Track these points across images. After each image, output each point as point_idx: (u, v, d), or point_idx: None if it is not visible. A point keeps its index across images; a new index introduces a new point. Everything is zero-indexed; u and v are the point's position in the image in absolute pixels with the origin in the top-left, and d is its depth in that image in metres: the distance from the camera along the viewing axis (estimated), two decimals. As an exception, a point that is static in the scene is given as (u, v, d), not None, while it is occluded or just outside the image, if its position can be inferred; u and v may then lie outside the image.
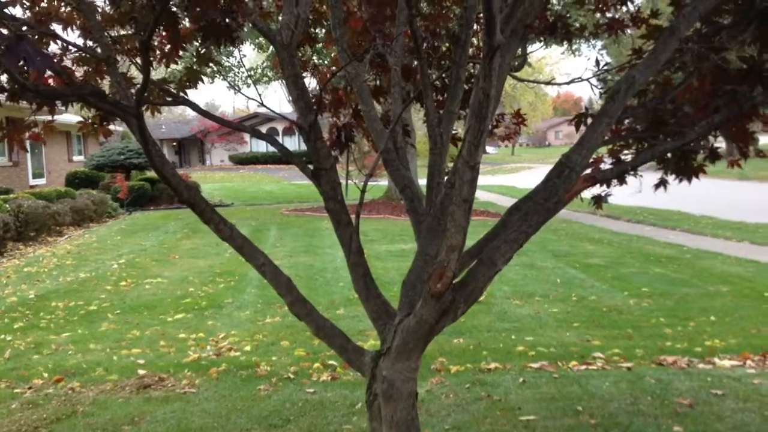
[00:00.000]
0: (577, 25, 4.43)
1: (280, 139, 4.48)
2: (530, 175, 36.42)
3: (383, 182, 26.21)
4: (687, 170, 3.79)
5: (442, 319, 2.99)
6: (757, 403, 5.12)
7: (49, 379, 6.23)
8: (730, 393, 5.35)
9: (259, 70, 28.26)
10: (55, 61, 3.42)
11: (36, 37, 3.42)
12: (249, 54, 29.82)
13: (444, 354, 6.64)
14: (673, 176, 3.85)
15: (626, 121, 3.87)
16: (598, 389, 5.50)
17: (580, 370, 6.11)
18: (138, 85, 2.94)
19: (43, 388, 6.01)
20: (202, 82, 3.77)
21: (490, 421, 4.83)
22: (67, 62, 3.88)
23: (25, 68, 3.23)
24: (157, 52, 3.91)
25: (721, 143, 4.11)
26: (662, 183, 3.96)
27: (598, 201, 4.05)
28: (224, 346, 7.24)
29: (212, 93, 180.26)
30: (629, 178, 3.97)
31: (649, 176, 3.94)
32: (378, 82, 4.56)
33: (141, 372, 6.35)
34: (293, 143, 51.12)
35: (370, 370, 3.17)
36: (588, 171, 3.14)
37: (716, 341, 7.01)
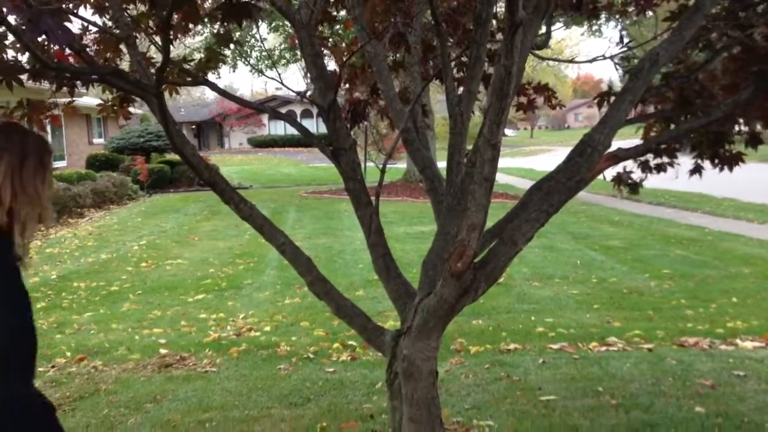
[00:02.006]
0: (604, 1, 4.36)
1: (298, 121, 4.46)
2: (549, 158, 36.19)
3: (402, 165, 26.17)
4: (724, 157, 3.72)
5: (462, 299, 2.98)
6: (779, 384, 5.09)
7: (72, 358, 6.30)
8: (753, 374, 5.31)
9: (277, 52, 28.20)
10: (76, 40, 3.42)
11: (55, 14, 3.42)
12: (265, 37, 29.74)
13: (463, 335, 6.64)
14: (710, 164, 3.77)
15: (652, 101, 3.83)
16: (618, 370, 5.48)
17: (601, 351, 6.09)
18: (158, 65, 2.93)
19: (66, 367, 6.08)
20: (224, 63, 3.76)
21: (510, 401, 4.83)
22: (87, 42, 3.88)
23: (46, 46, 3.25)
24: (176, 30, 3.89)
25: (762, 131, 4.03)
26: (697, 169, 3.89)
27: (634, 186, 3.99)
28: (244, 326, 7.29)
29: (231, 77, 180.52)
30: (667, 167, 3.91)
31: (686, 163, 3.89)
32: (397, 59, 4.53)
33: (162, 351, 6.40)
34: (312, 125, 51.07)
35: (390, 349, 3.17)
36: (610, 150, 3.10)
37: (738, 323, 6.96)
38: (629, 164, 3.63)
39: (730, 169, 3.69)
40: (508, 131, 75.49)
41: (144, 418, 4.78)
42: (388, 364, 3.19)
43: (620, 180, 3.98)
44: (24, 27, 2.22)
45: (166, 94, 3.80)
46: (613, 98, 3.35)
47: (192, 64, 3.87)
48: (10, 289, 2.38)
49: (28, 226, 2.39)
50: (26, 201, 2.36)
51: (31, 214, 2.39)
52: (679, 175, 3.95)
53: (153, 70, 3.44)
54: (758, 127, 3.60)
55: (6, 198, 2.31)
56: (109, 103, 3.88)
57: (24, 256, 2.40)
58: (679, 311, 7.58)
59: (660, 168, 3.84)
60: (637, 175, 3.91)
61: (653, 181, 4.20)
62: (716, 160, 3.71)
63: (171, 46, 2.85)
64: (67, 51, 3.22)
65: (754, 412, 4.51)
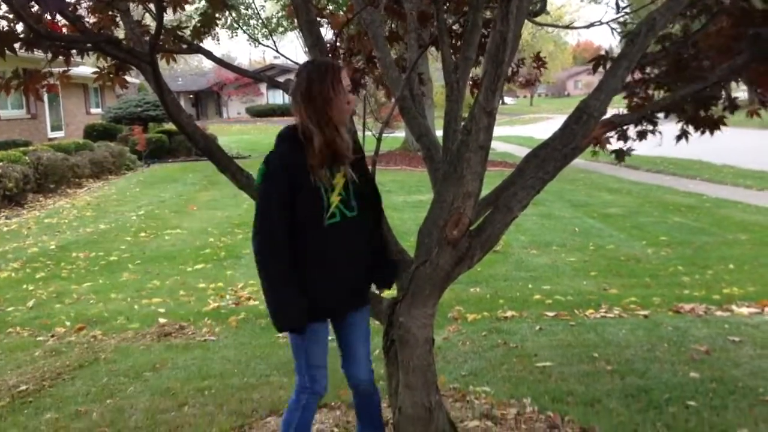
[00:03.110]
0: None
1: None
2: (549, 126, 36.08)
3: (400, 134, 26.07)
4: (706, 121, 3.73)
5: (458, 266, 2.99)
6: (774, 350, 5.13)
7: (72, 328, 6.34)
8: (748, 340, 5.35)
9: (275, 20, 27.97)
10: (70, 10, 3.39)
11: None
12: (263, 4, 29.47)
13: (461, 303, 6.67)
14: (694, 128, 3.79)
15: (648, 67, 3.81)
16: (614, 336, 5.51)
17: (597, 318, 6.13)
18: (152, 33, 2.91)
19: (66, 336, 6.12)
20: (217, 25, 3.72)
21: (507, 367, 4.87)
22: (81, 12, 3.85)
23: (39, 16, 3.22)
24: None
25: (740, 92, 4.04)
26: (683, 134, 3.90)
27: (621, 154, 4.00)
28: (243, 296, 7.32)
29: (228, 46, 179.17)
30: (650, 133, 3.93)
31: (672, 128, 3.89)
32: (394, 27, 4.50)
33: (162, 321, 6.44)
34: (310, 94, 50.74)
35: (386, 317, 3.19)
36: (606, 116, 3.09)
37: (734, 289, 6.99)
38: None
39: (711, 132, 3.70)
40: (507, 99, 75.13)
41: (143, 386, 4.82)
42: (385, 331, 3.21)
43: (620, 153, 3.98)
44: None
45: (163, 63, 3.78)
46: (609, 64, 3.33)
47: (187, 31, 3.84)
48: None
49: None
50: None
51: None
52: (662, 143, 3.95)
53: (147, 38, 3.41)
54: (744, 95, 3.60)
55: None
56: (105, 71, 3.85)
57: None
58: (676, 278, 7.61)
59: (642, 135, 3.85)
60: (617, 144, 3.92)
61: (652, 150, 4.20)
62: (699, 125, 3.72)
63: (164, 14, 2.83)
64: (62, 20, 3.20)
65: (748, 377, 4.56)
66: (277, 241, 2.81)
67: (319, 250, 2.87)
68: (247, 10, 25.39)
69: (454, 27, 4.34)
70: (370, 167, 3.18)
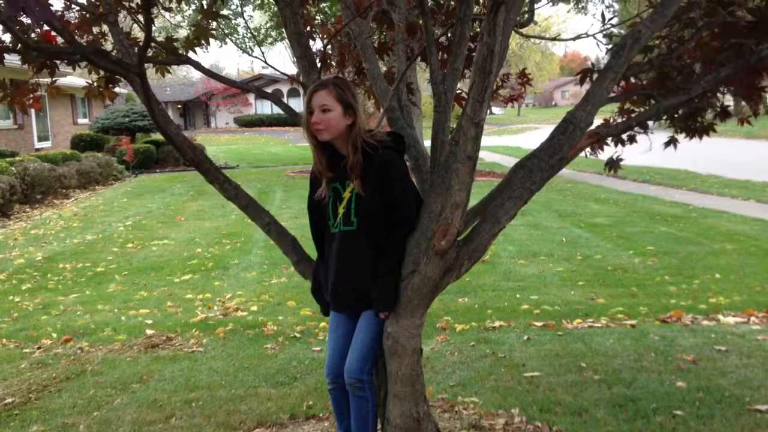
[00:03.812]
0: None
1: (285, 100, 4.45)
2: (536, 136, 36.21)
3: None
4: (696, 128, 3.77)
5: (446, 276, 3.01)
6: (760, 358, 5.15)
7: (58, 339, 6.30)
8: (734, 349, 5.38)
9: (263, 31, 28.00)
10: (58, 21, 3.39)
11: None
12: (251, 14, 29.48)
13: (449, 313, 6.68)
14: (683, 135, 3.83)
15: (634, 78, 3.84)
16: (602, 346, 5.53)
17: (584, 328, 6.15)
18: (140, 44, 2.92)
19: (52, 348, 6.08)
20: (214, 38, 3.71)
21: (495, 377, 4.88)
22: (70, 21, 3.84)
23: (28, 27, 3.22)
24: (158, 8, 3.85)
25: (730, 101, 4.09)
26: (672, 141, 3.94)
27: (612, 165, 4.02)
28: (231, 307, 7.30)
29: (217, 55, 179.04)
30: (640, 138, 3.96)
31: (660, 136, 3.92)
32: (382, 39, 4.52)
33: (149, 332, 6.41)
34: (298, 105, 50.89)
35: (375, 327, 3.19)
36: (593, 127, 3.12)
37: (721, 298, 7.03)
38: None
39: (700, 137, 3.75)
40: (495, 109, 75.35)
41: (130, 398, 4.80)
42: (373, 341, 3.21)
43: (612, 163, 4.00)
44: (2, 3, 2.20)
45: (153, 74, 3.78)
46: (595, 75, 3.36)
47: (178, 43, 3.84)
48: None
49: None
50: None
51: None
52: (652, 148, 3.98)
53: (137, 50, 3.41)
54: (742, 103, 3.64)
55: None
56: (95, 84, 3.84)
57: None
58: (663, 287, 7.65)
59: (632, 139, 3.87)
60: (610, 150, 3.94)
61: (639, 159, 4.24)
62: (689, 132, 3.76)
63: (153, 25, 2.84)
64: (50, 30, 3.19)
65: (735, 387, 4.58)
66: (313, 237, 3.39)
67: (327, 250, 3.29)
68: (236, 19, 25.43)
69: (442, 39, 4.36)
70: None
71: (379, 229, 3.12)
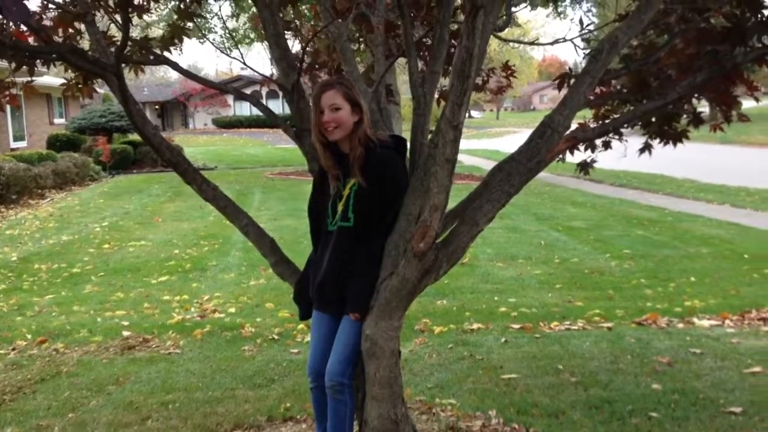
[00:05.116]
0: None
1: (263, 101, 4.45)
2: (515, 139, 36.40)
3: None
4: (671, 134, 3.81)
5: (424, 278, 3.01)
6: (734, 361, 5.21)
7: (33, 341, 6.23)
8: (709, 352, 5.44)
9: (241, 31, 27.88)
10: (35, 20, 3.35)
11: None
12: (228, 15, 29.30)
13: (428, 315, 6.69)
14: (658, 140, 3.87)
15: (611, 83, 3.88)
16: (578, 348, 5.57)
17: (561, 331, 6.19)
18: (118, 44, 2.90)
19: (27, 349, 6.01)
20: (188, 36, 3.70)
21: (473, 379, 4.89)
22: (48, 22, 3.80)
23: (4, 25, 3.19)
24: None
25: (704, 108, 4.13)
26: (647, 147, 3.97)
27: (585, 167, 4.05)
28: (209, 308, 7.26)
29: (195, 56, 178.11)
30: (615, 144, 4.00)
31: (635, 142, 3.96)
32: (362, 41, 4.52)
33: (125, 333, 6.36)
34: (277, 106, 50.67)
35: (353, 329, 3.19)
36: (570, 131, 3.14)
37: (696, 302, 7.10)
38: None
39: (674, 144, 3.78)
40: (474, 112, 75.67)
41: (106, 400, 4.76)
42: (351, 343, 3.21)
43: (584, 165, 4.03)
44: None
45: (130, 74, 3.75)
46: (573, 80, 3.39)
47: (153, 42, 3.82)
48: None
49: None
50: None
51: None
52: (627, 154, 4.02)
53: (114, 49, 3.39)
54: (707, 110, 3.68)
55: None
56: (73, 81, 3.81)
57: None
58: (639, 291, 7.71)
59: (606, 145, 3.91)
60: (582, 154, 3.97)
61: (616, 163, 4.28)
62: (664, 138, 3.80)
63: (130, 25, 2.82)
64: (26, 29, 3.17)
65: (709, 389, 4.63)
66: (312, 236, 3.44)
67: (320, 249, 3.31)
68: (212, 19, 25.30)
69: (421, 41, 4.38)
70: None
71: (374, 227, 3.15)
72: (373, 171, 3.14)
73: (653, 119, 3.74)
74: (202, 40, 23.57)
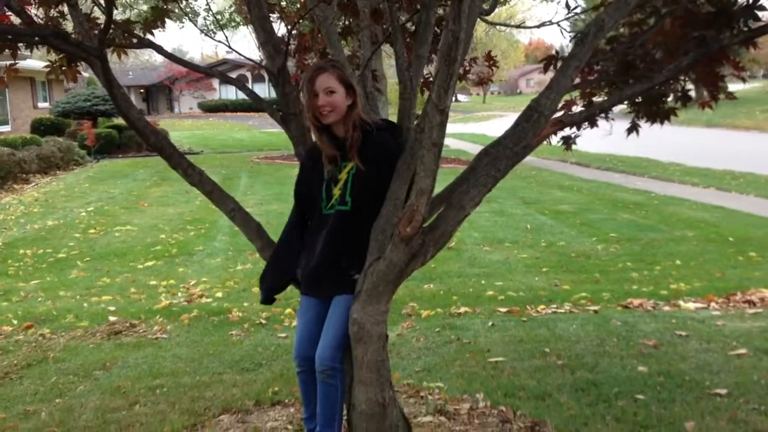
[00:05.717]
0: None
1: (249, 85, 4.41)
2: (502, 123, 36.39)
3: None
4: (658, 114, 3.81)
5: (411, 263, 3.01)
6: (720, 343, 5.25)
7: (19, 326, 6.21)
8: (694, 334, 5.48)
9: (227, 14, 27.68)
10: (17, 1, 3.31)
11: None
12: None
13: (415, 299, 6.71)
14: (645, 120, 3.87)
15: (597, 66, 3.87)
16: (565, 332, 5.60)
17: (548, 314, 6.22)
18: (101, 27, 2.87)
19: (13, 335, 5.99)
20: (170, 18, 3.66)
21: (460, 363, 4.91)
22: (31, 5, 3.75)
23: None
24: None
25: (691, 89, 4.12)
26: (634, 127, 3.97)
27: (567, 142, 4.05)
28: (195, 293, 7.25)
29: (180, 39, 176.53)
30: (601, 122, 4.00)
31: (622, 123, 3.96)
32: (346, 25, 4.50)
33: (112, 318, 6.35)
34: (263, 90, 50.32)
35: (340, 313, 3.19)
36: (557, 115, 3.14)
37: (681, 284, 7.15)
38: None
39: (662, 123, 3.79)
40: (460, 96, 75.59)
41: (93, 385, 4.75)
42: (339, 328, 3.20)
43: (567, 140, 4.03)
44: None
45: (114, 58, 3.71)
46: (560, 63, 3.38)
47: (138, 26, 3.77)
48: None
49: None
50: None
51: None
52: (613, 133, 4.03)
53: (97, 32, 3.35)
54: (703, 90, 3.68)
55: None
56: (57, 64, 3.76)
57: None
58: (625, 274, 7.76)
59: (592, 122, 3.91)
60: (569, 130, 3.97)
61: (602, 147, 4.28)
62: (650, 117, 3.80)
63: (114, 8, 2.79)
64: (7, 12, 3.12)
65: (694, 371, 4.67)
66: (288, 221, 3.38)
67: (310, 233, 3.27)
68: (197, 0, 25.12)
69: (407, 25, 4.35)
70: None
71: (371, 211, 3.13)
72: (371, 154, 3.13)
73: (640, 99, 3.74)
74: (183, 24, 23.40)
